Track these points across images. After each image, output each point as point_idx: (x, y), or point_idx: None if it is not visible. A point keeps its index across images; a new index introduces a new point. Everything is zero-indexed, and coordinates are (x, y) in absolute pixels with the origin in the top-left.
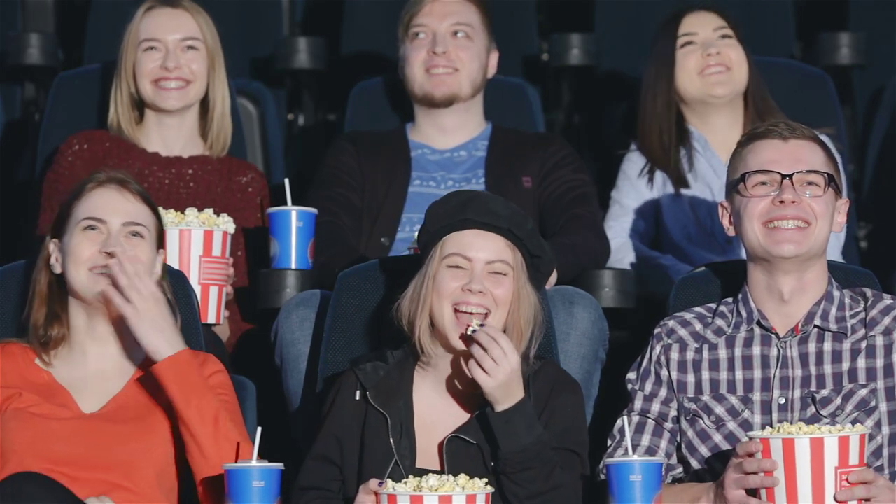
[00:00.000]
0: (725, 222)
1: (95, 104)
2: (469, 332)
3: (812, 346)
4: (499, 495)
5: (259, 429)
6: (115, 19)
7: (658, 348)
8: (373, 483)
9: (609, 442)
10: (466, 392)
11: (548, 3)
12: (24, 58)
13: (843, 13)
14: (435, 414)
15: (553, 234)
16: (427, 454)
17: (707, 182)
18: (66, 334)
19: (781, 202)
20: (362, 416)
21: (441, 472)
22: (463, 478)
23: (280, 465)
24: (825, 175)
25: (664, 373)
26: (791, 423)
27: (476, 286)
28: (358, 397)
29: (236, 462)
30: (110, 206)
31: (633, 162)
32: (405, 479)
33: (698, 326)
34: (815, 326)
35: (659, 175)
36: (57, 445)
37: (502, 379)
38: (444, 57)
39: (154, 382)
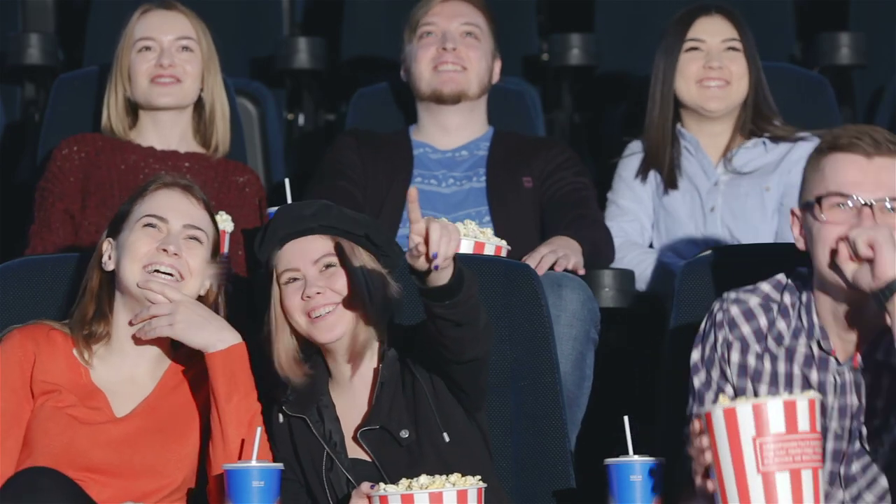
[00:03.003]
0: (795, 232)
1: (95, 106)
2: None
3: (869, 377)
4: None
5: (259, 429)
6: (115, 20)
7: (720, 338)
8: (364, 486)
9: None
10: (365, 382)
11: (548, 3)
12: (24, 58)
13: (843, 13)
14: (348, 407)
15: (558, 233)
16: (354, 448)
17: (695, 185)
18: (109, 332)
19: None
20: (289, 433)
21: (372, 463)
22: (455, 476)
23: (280, 466)
24: None
25: (728, 370)
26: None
27: (312, 289)
28: (281, 421)
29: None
30: (173, 207)
31: (629, 163)
32: (343, 472)
33: (763, 322)
34: (876, 360)
35: (652, 175)
36: (92, 452)
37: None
38: (454, 54)
39: (183, 384)
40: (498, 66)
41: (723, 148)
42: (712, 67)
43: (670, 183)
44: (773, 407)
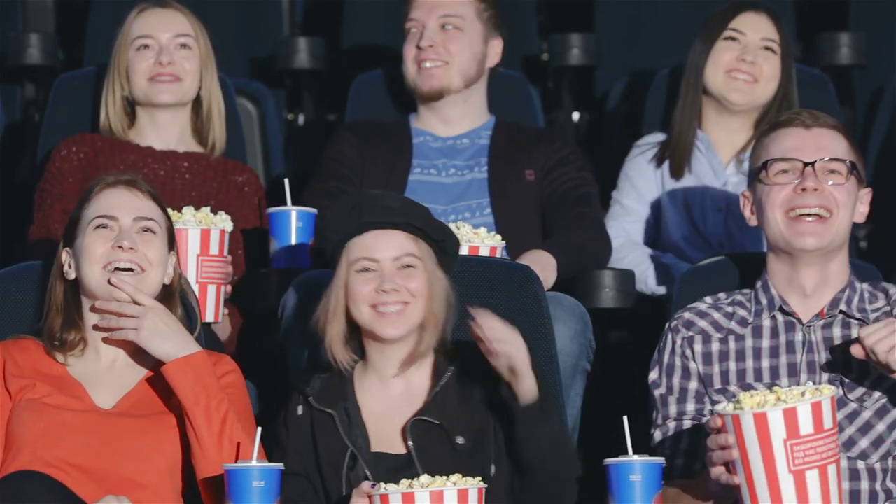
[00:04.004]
0: (747, 212)
1: (95, 106)
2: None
3: (837, 331)
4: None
5: (259, 429)
6: (115, 19)
7: (679, 340)
8: (365, 485)
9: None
10: (406, 375)
11: (548, 3)
12: (24, 58)
13: (843, 13)
14: (383, 403)
15: (556, 232)
16: (383, 441)
17: (705, 184)
18: (83, 337)
19: (803, 190)
20: (310, 424)
21: (404, 456)
22: (455, 476)
23: (280, 466)
24: (847, 163)
25: (690, 364)
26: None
27: (389, 285)
28: (300, 412)
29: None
30: (120, 204)
31: (635, 163)
32: (365, 469)
33: (717, 315)
34: (841, 312)
35: (659, 174)
36: (70, 436)
37: (526, 358)
38: (432, 50)
39: (168, 384)
40: (496, 47)
41: (738, 148)
42: (745, 60)
43: (678, 174)
44: (803, 410)
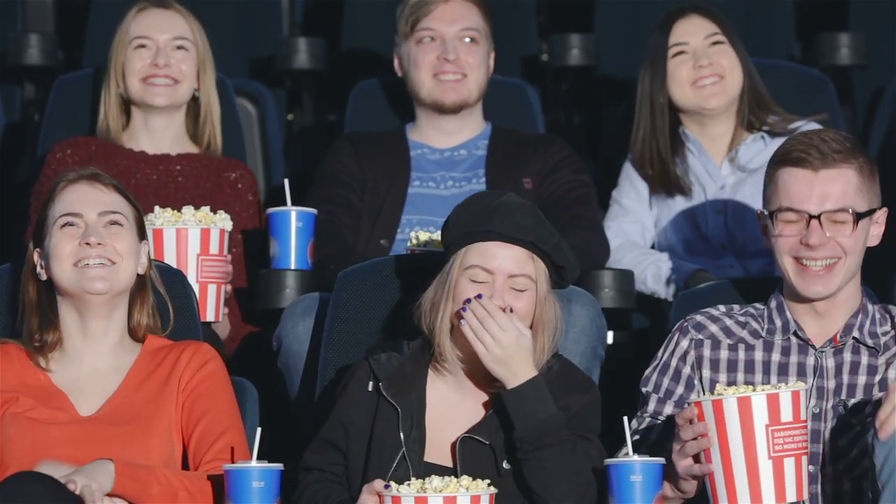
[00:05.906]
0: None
1: (94, 107)
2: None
3: (848, 356)
4: (523, 493)
5: (259, 430)
6: (115, 20)
7: (685, 342)
8: (378, 483)
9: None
10: (482, 392)
11: (548, 3)
12: (24, 58)
13: (843, 13)
14: (448, 410)
15: None
16: (436, 450)
17: (703, 186)
18: (61, 338)
19: (809, 245)
20: (374, 406)
21: (450, 470)
22: (466, 479)
23: (280, 466)
24: (852, 213)
25: (686, 370)
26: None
27: (497, 301)
28: (370, 388)
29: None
30: (84, 200)
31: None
32: (411, 477)
33: (729, 322)
34: (853, 338)
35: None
36: (57, 450)
37: (500, 354)
38: (454, 63)
39: (149, 380)
40: (492, 58)
41: (726, 148)
42: (702, 66)
43: (678, 189)
44: (784, 397)
